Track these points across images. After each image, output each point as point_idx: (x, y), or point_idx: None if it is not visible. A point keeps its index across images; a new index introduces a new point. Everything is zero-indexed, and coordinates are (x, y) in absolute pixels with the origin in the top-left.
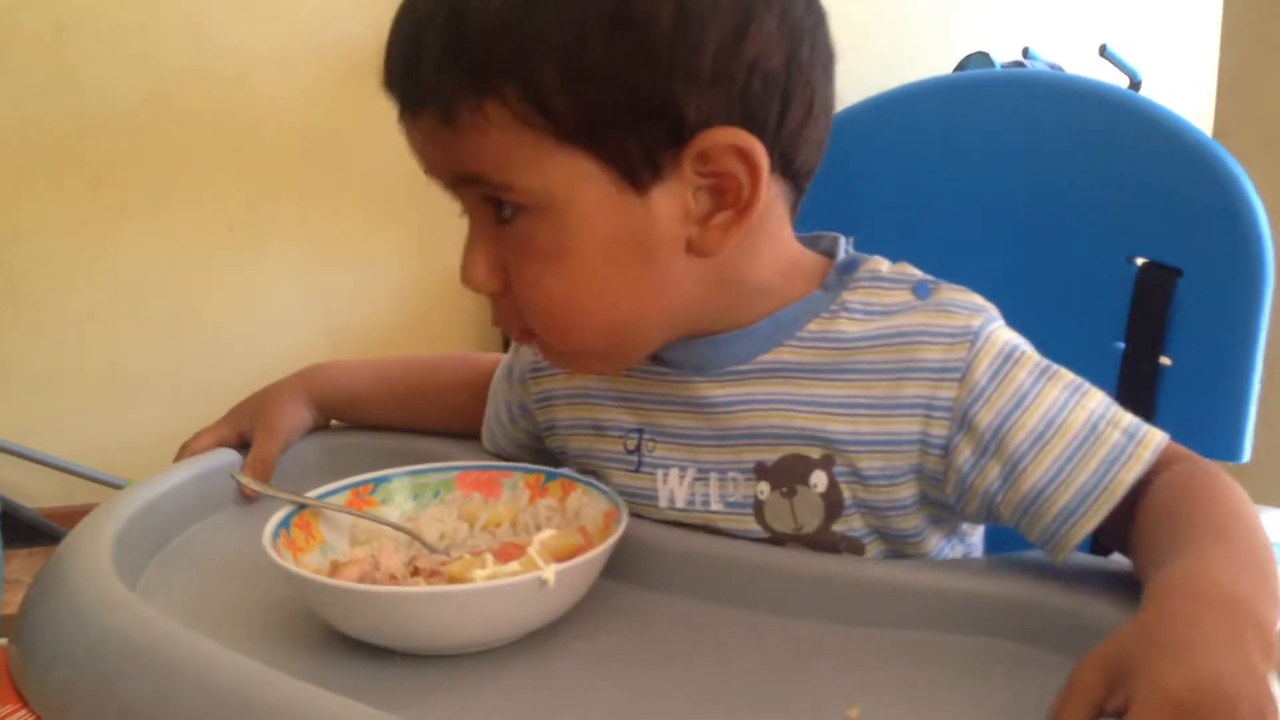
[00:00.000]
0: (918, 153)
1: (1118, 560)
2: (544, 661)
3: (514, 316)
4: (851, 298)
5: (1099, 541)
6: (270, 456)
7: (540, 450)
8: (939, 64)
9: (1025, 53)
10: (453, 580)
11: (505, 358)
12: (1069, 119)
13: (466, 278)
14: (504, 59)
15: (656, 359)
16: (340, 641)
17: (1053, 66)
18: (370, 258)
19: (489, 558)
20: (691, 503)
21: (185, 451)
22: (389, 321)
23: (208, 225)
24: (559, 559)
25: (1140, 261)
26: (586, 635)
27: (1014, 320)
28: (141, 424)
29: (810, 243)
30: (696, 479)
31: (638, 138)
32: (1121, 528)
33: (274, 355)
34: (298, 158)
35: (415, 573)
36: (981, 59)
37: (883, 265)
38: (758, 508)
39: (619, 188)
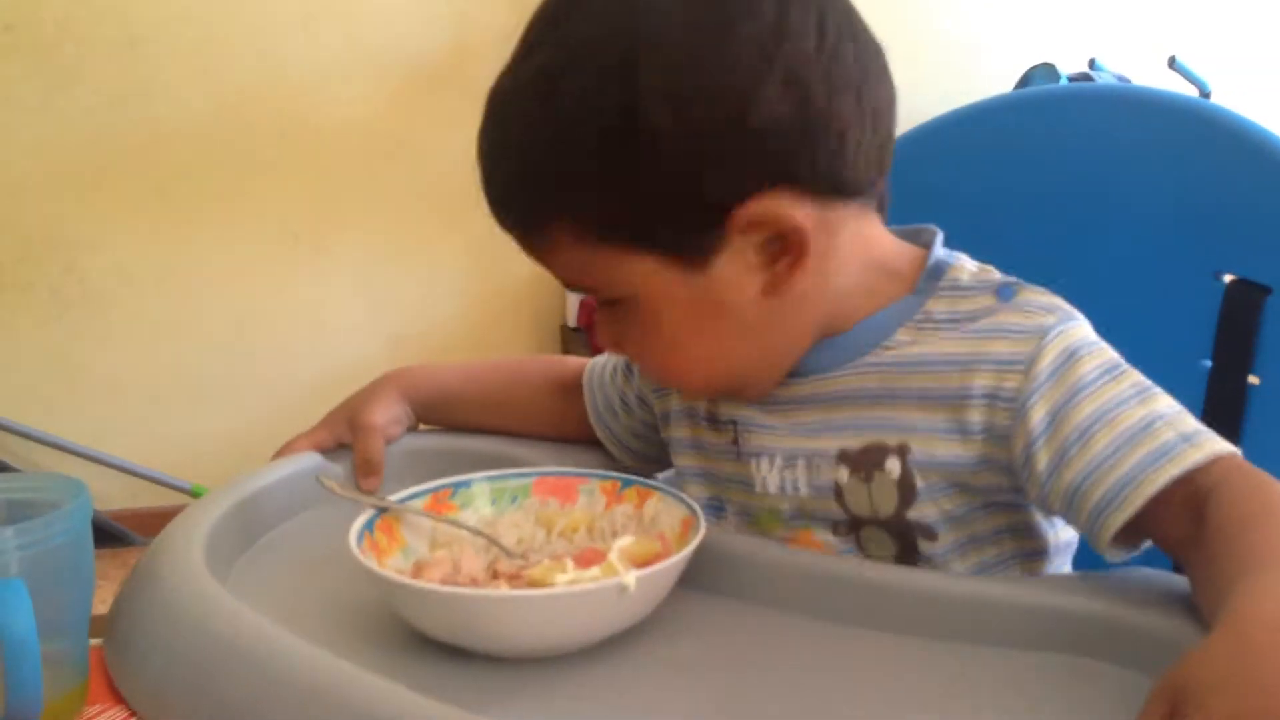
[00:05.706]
0: (993, 169)
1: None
2: (622, 668)
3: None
4: (935, 307)
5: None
6: (375, 455)
7: (654, 441)
8: (1004, 75)
9: (1091, 64)
10: (534, 584)
11: (603, 356)
12: (1151, 132)
13: (601, 344)
14: (544, 196)
15: None
16: (420, 642)
17: (1119, 78)
18: (432, 267)
19: (569, 563)
20: (783, 488)
21: (282, 455)
22: (450, 330)
23: (273, 234)
24: (638, 565)
25: (1228, 278)
26: (665, 643)
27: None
28: (207, 428)
29: (912, 235)
30: (785, 466)
31: (680, 231)
32: (1183, 539)
33: (336, 362)
34: (362, 168)
35: (496, 576)
36: (1047, 70)
37: (963, 273)
38: (838, 491)
39: (683, 270)
